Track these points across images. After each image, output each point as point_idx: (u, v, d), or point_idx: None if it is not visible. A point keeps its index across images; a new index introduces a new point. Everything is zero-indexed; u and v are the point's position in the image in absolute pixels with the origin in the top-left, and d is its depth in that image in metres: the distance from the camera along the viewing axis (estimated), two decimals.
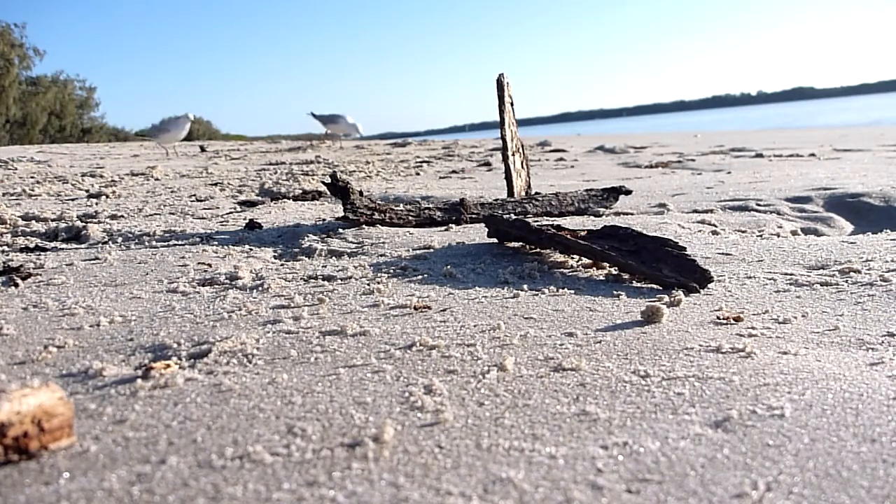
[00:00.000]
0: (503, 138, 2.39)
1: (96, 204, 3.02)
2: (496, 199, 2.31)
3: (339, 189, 2.09)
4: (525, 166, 2.53)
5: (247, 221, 2.22)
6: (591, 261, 1.51)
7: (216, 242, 1.95)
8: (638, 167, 4.55)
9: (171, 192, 3.53)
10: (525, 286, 1.35)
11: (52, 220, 2.46)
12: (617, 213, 2.34)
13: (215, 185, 3.82)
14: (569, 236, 1.53)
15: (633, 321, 1.10)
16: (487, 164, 5.01)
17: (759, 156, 5.05)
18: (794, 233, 2.20)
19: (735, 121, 25.14)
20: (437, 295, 1.31)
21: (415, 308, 1.21)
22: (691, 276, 1.32)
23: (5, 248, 1.99)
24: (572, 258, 1.57)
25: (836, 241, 1.77)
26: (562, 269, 1.49)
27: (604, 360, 0.92)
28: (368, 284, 1.40)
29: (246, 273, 1.51)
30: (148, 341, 1.06)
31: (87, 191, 3.62)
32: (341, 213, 2.13)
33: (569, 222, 2.10)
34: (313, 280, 1.47)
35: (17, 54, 20.59)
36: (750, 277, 1.41)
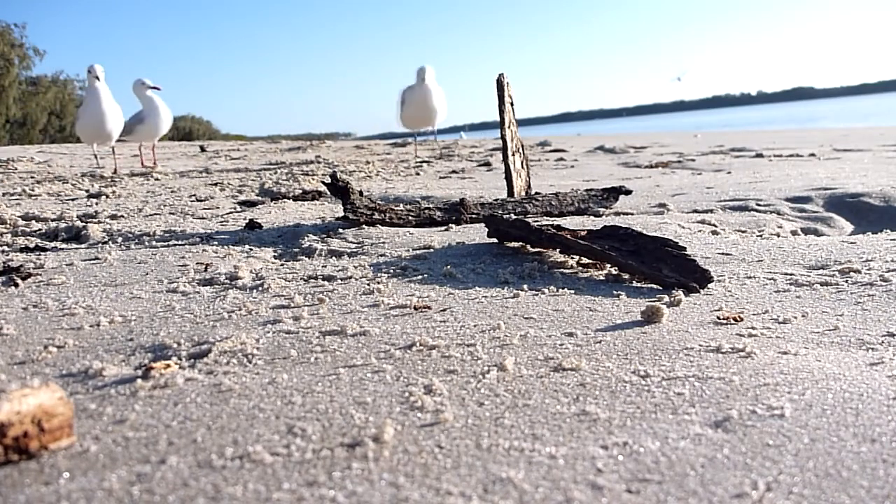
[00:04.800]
0: (503, 138, 2.39)
1: (96, 204, 3.02)
2: (496, 199, 2.31)
3: (339, 189, 2.09)
4: (525, 166, 2.53)
5: (247, 221, 2.22)
6: (591, 261, 1.51)
7: (216, 242, 1.95)
8: (638, 167, 4.55)
9: (171, 192, 3.53)
10: (525, 286, 1.35)
11: (52, 220, 2.46)
12: (617, 213, 2.34)
13: (215, 185, 3.82)
14: (569, 236, 1.53)
15: (633, 321, 1.10)
16: (487, 164, 5.01)
17: (759, 156, 5.05)
18: (794, 233, 2.20)
19: (735, 121, 25.14)
20: (437, 295, 1.31)
21: (415, 308, 1.21)
22: (691, 276, 1.32)
23: (5, 248, 1.99)
24: (572, 258, 1.57)
25: (836, 241, 1.77)
26: (562, 269, 1.49)
27: (604, 360, 0.92)
28: (368, 284, 1.40)
29: (246, 273, 1.51)
30: (148, 341, 1.06)
31: (87, 191, 3.63)
32: (341, 213, 2.13)
33: (569, 222, 2.10)
34: (313, 280, 1.47)
35: (17, 54, 20.61)
36: (750, 277, 1.41)
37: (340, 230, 1.98)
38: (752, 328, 1.06)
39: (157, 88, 5.81)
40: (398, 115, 6.56)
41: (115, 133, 5.12)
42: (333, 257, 1.72)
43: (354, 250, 1.76)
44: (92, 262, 1.74)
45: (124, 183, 4.16)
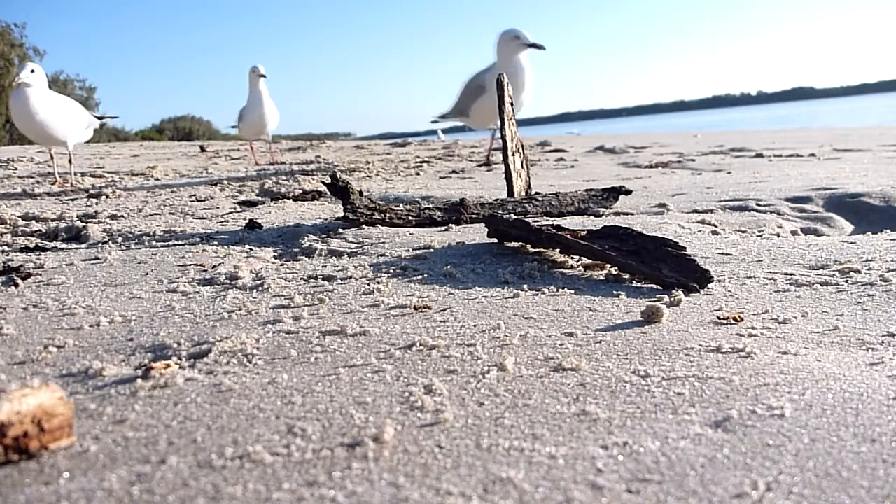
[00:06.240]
0: (503, 138, 2.39)
1: (96, 204, 3.02)
2: (496, 199, 2.31)
3: (339, 189, 2.09)
4: (525, 166, 2.53)
5: (247, 221, 2.22)
6: (591, 261, 1.51)
7: (216, 242, 1.95)
8: (638, 167, 4.55)
9: (171, 191, 3.53)
10: (525, 286, 1.35)
11: (52, 220, 2.46)
12: (617, 213, 2.34)
13: (215, 184, 3.82)
14: (569, 236, 1.53)
15: (633, 321, 1.10)
16: (487, 164, 5.01)
17: (759, 156, 5.05)
18: (794, 233, 2.20)
19: (735, 121, 25.12)
20: (437, 295, 1.31)
21: (415, 308, 1.21)
22: (691, 276, 1.32)
23: (5, 248, 1.99)
24: (572, 258, 1.57)
25: (836, 241, 1.77)
26: (562, 269, 1.49)
27: (604, 360, 0.92)
28: (368, 284, 1.40)
29: (246, 273, 1.51)
30: (148, 341, 1.06)
31: (87, 191, 3.63)
32: (341, 213, 2.13)
33: (569, 222, 2.10)
34: (313, 280, 1.47)
35: (17, 54, 20.60)
36: (750, 277, 1.41)
37: (340, 230, 1.98)
38: (752, 328, 1.06)
39: (263, 76, 5.46)
40: (468, 107, 4.59)
41: (54, 131, 3.99)
42: (333, 257, 1.72)
43: (354, 250, 1.76)
44: (92, 262, 1.74)
45: (124, 182, 4.16)
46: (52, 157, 4.40)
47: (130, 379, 0.89)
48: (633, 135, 12.75)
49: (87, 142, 4.55)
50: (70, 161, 4.25)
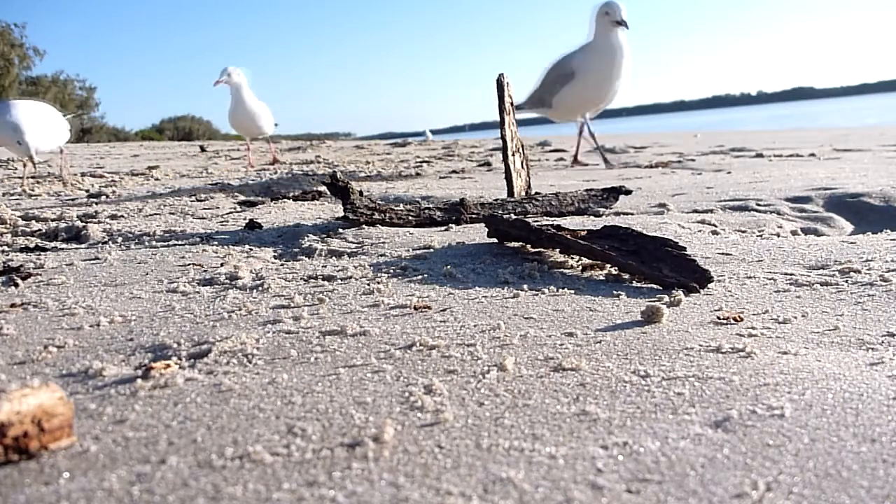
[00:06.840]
0: (503, 138, 2.39)
1: (96, 204, 3.02)
2: (496, 199, 2.31)
3: (339, 189, 2.09)
4: (525, 166, 2.53)
5: (247, 221, 2.22)
6: (591, 261, 1.51)
7: (216, 242, 1.95)
8: (638, 167, 4.55)
9: (171, 191, 3.53)
10: (525, 286, 1.35)
11: (52, 220, 2.46)
12: (617, 213, 2.34)
13: (215, 184, 3.82)
14: (569, 236, 1.53)
15: (633, 321, 1.10)
16: (487, 164, 5.01)
17: (759, 156, 5.05)
18: (794, 233, 2.20)
19: (735, 121, 25.11)
20: (437, 295, 1.31)
21: (415, 308, 1.21)
22: (691, 276, 1.32)
23: (5, 248, 1.99)
24: (572, 258, 1.57)
25: (836, 241, 1.77)
26: (562, 269, 1.49)
27: (604, 360, 0.92)
28: (368, 284, 1.40)
29: (246, 273, 1.51)
30: (148, 341, 1.06)
31: (87, 191, 3.63)
32: (341, 213, 2.13)
33: (569, 222, 2.10)
34: (313, 280, 1.47)
35: (17, 54, 20.59)
36: (750, 277, 1.41)
37: (340, 230, 1.98)
38: (752, 328, 1.06)
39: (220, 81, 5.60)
40: (550, 97, 4.01)
41: (38, 140, 3.94)
42: (333, 257, 1.72)
43: (354, 250, 1.76)
44: (92, 262, 1.74)
45: (124, 183, 4.16)
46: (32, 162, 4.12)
47: (130, 379, 0.89)
48: (633, 135, 12.74)
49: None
50: (61, 158, 4.21)
